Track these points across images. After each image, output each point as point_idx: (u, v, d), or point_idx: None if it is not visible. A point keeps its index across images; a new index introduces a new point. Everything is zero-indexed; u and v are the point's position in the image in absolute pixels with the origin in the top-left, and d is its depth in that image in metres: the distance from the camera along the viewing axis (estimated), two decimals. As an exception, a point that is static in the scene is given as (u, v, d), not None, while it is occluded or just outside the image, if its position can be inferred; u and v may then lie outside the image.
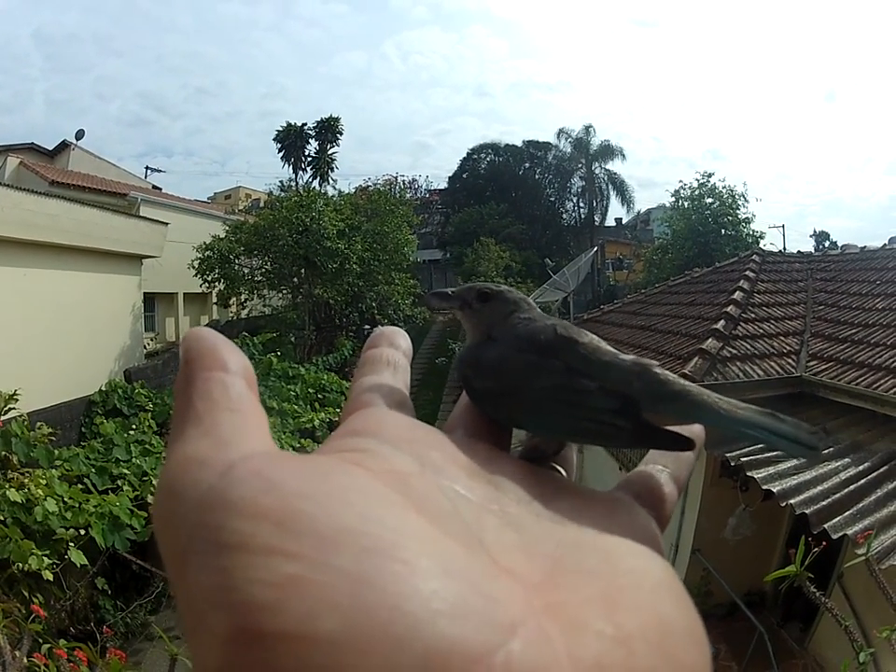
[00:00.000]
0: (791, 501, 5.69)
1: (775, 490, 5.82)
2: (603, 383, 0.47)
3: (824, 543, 3.17)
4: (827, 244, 42.31)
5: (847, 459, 6.30)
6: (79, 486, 10.25)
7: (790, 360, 8.60)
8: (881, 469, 5.99)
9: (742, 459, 6.18)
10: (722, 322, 9.31)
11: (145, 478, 11.29)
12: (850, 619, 3.57)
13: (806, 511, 5.50)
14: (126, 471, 11.31)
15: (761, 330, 9.42)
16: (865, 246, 13.59)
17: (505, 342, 0.51)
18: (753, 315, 9.94)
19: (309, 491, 0.27)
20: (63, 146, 28.15)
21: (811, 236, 51.44)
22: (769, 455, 6.42)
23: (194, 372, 0.33)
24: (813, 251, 17.31)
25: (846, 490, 5.73)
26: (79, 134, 29.46)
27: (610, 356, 0.48)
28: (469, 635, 0.23)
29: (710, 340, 8.73)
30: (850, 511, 5.39)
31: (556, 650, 0.25)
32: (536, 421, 0.48)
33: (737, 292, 10.69)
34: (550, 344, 0.49)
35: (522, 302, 0.54)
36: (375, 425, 0.37)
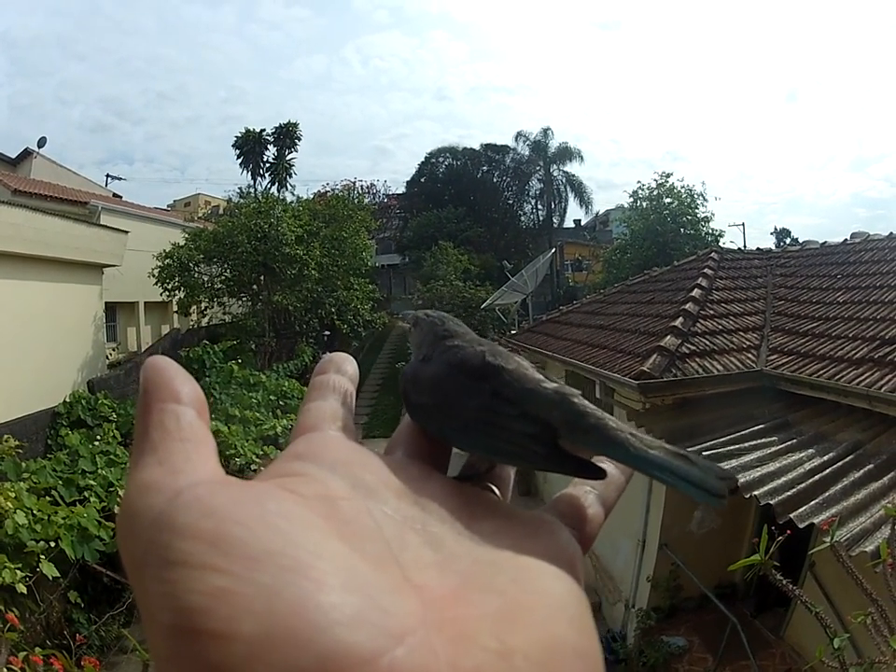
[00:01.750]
0: (756, 493, 5.73)
1: (738, 483, 5.84)
2: (525, 409, 0.51)
3: (788, 532, 3.24)
4: (788, 241, 42.69)
5: (811, 450, 6.37)
6: (47, 499, 10.29)
7: (750, 355, 8.67)
8: (846, 459, 6.03)
9: (703, 454, 6.21)
10: (681, 319, 9.39)
11: (111, 489, 11.29)
12: (823, 606, 3.63)
13: (771, 502, 5.54)
14: (92, 483, 11.28)
15: (720, 326, 9.50)
16: (826, 242, 13.70)
17: (439, 364, 0.56)
18: (712, 312, 10.02)
19: (241, 517, 0.32)
20: (26, 154, 28.28)
21: (772, 233, 52.06)
22: (730, 448, 6.52)
23: (150, 403, 0.38)
24: (774, 248, 17.43)
25: (810, 480, 5.77)
26: (41, 142, 29.57)
27: (534, 383, 0.52)
28: (361, 640, 0.28)
29: (669, 337, 8.81)
30: (816, 501, 5.42)
31: (438, 657, 0.30)
32: (462, 437, 0.52)
33: (696, 290, 10.78)
34: (478, 370, 0.53)
35: (454, 328, 0.59)
36: (317, 449, 0.43)
